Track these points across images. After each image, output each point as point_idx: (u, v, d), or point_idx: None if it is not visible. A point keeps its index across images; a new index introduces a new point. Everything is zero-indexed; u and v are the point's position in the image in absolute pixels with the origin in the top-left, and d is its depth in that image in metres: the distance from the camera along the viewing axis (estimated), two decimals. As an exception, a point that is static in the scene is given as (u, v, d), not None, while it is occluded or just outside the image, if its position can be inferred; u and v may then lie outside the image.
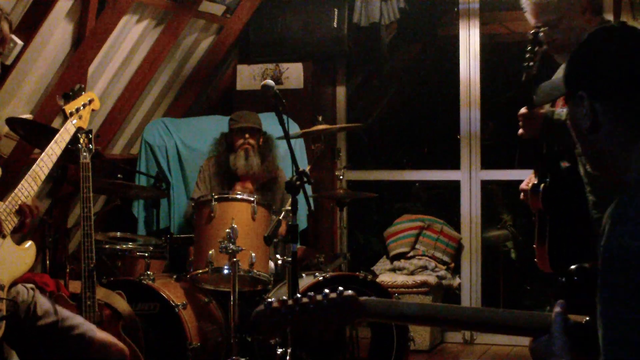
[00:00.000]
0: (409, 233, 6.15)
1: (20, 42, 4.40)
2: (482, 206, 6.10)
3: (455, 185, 6.19)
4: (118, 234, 5.10)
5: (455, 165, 6.16)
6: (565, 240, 3.06)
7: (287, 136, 3.73)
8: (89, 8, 4.69)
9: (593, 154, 1.63)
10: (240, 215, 4.51)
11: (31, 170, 3.23)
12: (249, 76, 6.13)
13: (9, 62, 4.42)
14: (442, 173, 6.43)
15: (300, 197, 3.67)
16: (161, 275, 4.81)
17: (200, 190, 5.14)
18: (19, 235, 3.26)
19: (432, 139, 7.35)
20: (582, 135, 1.62)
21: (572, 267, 1.75)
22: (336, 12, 5.95)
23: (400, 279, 5.86)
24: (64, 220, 5.16)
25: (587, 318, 1.63)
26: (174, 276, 4.74)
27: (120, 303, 3.99)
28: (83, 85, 3.72)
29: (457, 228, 6.17)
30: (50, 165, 3.29)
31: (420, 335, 5.62)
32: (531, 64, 2.94)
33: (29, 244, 3.25)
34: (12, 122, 4.10)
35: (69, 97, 3.54)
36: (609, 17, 5.45)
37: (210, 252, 4.47)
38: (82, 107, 3.55)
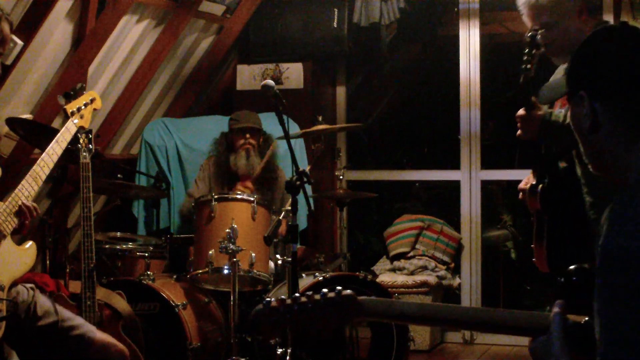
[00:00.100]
0: (409, 233, 6.15)
1: (20, 42, 4.40)
2: (482, 206, 6.10)
3: (455, 185, 6.20)
4: (118, 234, 5.10)
5: (455, 165, 6.16)
6: (563, 241, 3.07)
7: (287, 136, 3.73)
8: (89, 8, 4.70)
9: (594, 154, 1.63)
10: (240, 215, 4.51)
11: (32, 170, 3.23)
12: (249, 76, 6.13)
13: (9, 62, 4.42)
14: (442, 173, 6.43)
15: (300, 197, 3.67)
16: (161, 275, 4.81)
17: (200, 188, 5.14)
18: (19, 235, 3.26)
19: (432, 139, 7.35)
20: (583, 135, 1.62)
21: (571, 267, 1.75)
22: (336, 12, 5.95)
23: (400, 279, 5.86)
24: (64, 220, 5.16)
25: (586, 318, 1.63)
26: (174, 276, 4.74)
27: (120, 303, 3.99)
28: (84, 85, 3.72)
29: (457, 228, 6.17)
30: (51, 165, 3.29)
31: (420, 335, 5.62)
32: (529, 66, 2.95)
33: (29, 244, 3.25)
34: (12, 122, 4.10)
35: (70, 97, 3.53)
36: (609, 17, 5.46)
37: (210, 252, 4.47)
38: (83, 107, 3.54)
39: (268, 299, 1.69)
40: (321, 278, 4.46)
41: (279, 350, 4.06)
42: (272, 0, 6.08)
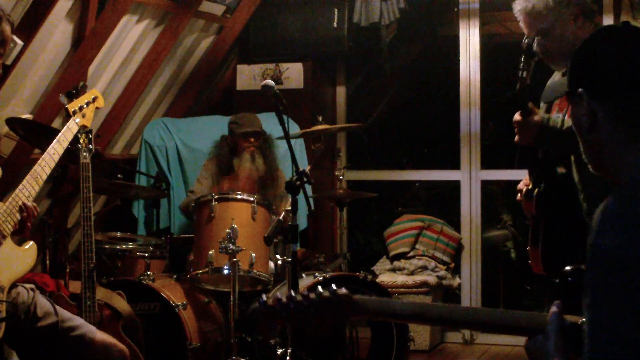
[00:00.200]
0: (409, 233, 6.15)
1: (20, 42, 4.40)
2: (482, 206, 6.10)
3: (455, 185, 6.20)
4: (118, 234, 5.10)
5: (455, 165, 6.16)
6: (559, 245, 3.08)
7: (287, 136, 3.73)
8: (89, 8, 4.70)
9: (593, 153, 1.63)
10: (240, 215, 4.51)
11: (32, 170, 3.21)
12: (249, 76, 6.13)
13: (9, 62, 4.42)
14: (442, 173, 6.43)
15: (300, 197, 3.67)
16: (161, 275, 4.81)
17: (202, 186, 5.13)
18: (19, 235, 3.25)
19: (432, 139, 7.34)
20: (582, 134, 1.62)
21: (567, 268, 1.75)
22: (336, 12, 5.95)
23: (400, 279, 5.86)
24: (64, 220, 5.16)
25: (583, 319, 1.63)
26: (174, 276, 4.74)
27: (120, 303, 3.99)
28: (86, 83, 3.71)
29: (457, 228, 6.17)
30: (52, 165, 3.27)
31: (420, 335, 5.62)
32: (524, 74, 2.95)
33: (29, 244, 3.24)
34: (12, 122, 4.10)
35: (72, 95, 3.52)
36: (609, 17, 5.46)
37: (210, 252, 4.47)
38: (85, 105, 3.53)
39: (264, 298, 1.70)
40: (321, 278, 4.46)
41: (279, 350, 4.06)
42: (272, 0, 6.08)
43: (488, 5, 6.15)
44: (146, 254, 4.74)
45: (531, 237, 3.16)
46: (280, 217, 3.95)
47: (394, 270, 6.01)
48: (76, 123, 3.46)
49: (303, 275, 4.58)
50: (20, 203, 3.10)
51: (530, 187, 3.15)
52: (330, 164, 6.00)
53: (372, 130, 7.02)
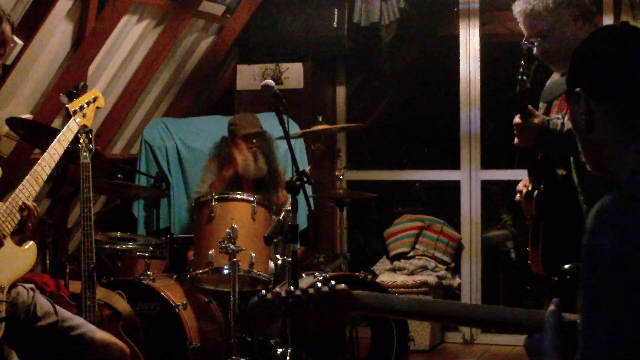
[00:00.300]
0: (409, 233, 6.16)
1: (20, 42, 4.40)
2: (482, 206, 6.10)
3: (455, 185, 6.20)
4: (118, 234, 5.10)
5: (455, 165, 6.16)
6: (559, 246, 3.08)
7: (287, 136, 3.72)
8: (89, 8, 4.70)
9: (591, 153, 1.63)
10: (240, 215, 4.51)
11: (32, 170, 3.21)
12: (249, 76, 6.13)
13: (9, 62, 4.42)
14: (442, 173, 6.43)
15: (300, 197, 3.67)
16: (161, 275, 4.81)
17: (207, 186, 5.13)
18: (19, 235, 3.25)
19: (432, 139, 7.34)
20: (581, 134, 1.62)
21: (566, 266, 1.75)
22: (336, 12, 5.95)
23: (400, 279, 5.86)
24: (64, 220, 5.16)
25: None
26: (174, 276, 4.74)
27: (120, 303, 3.99)
28: (86, 83, 3.71)
29: (457, 228, 6.17)
30: (53, 165, 3.27)
31: (420, 335, 5.63)
32: (524, 77, 2.95)
33: (29, 244, 3.24)
34: (12, 122, 4.10)
35: (72, 95, 3.52)
36: (609, 17, 5.46)
37: (210, 252, 4.47)
38: (85, 105, 3.52)
39: (263, 292, 1.70)
40: (321, 278, 4.46)
41: (279, 350, 4.06)
42: (272, 0, 6.07)
43: (488, 5, 6.15)
44: (146, 254, 4.74)
45: (531, 237, 3.16)
46: (280, 217, 3.96)
47: (394, 270, 6.01)
48: (76, 123, 3.46)
49: (303, 275, 4.59)
50: (20, 203, 3.10)
51: (529, 188, 3.15)
52: (330, 164, 6.00)
53: (372, 130, 7.02)
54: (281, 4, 6.07)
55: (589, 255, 1.43)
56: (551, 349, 1.58)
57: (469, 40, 6.03)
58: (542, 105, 3.22)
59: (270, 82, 3.67)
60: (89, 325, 3.27)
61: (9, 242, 3.11)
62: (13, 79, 4.55)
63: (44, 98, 4.83)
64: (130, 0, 4.89)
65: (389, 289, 5.50)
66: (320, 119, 4.87)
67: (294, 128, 5.17)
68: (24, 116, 4.50)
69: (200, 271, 4.51)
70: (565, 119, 3.01)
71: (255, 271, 4.47)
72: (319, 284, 1.70)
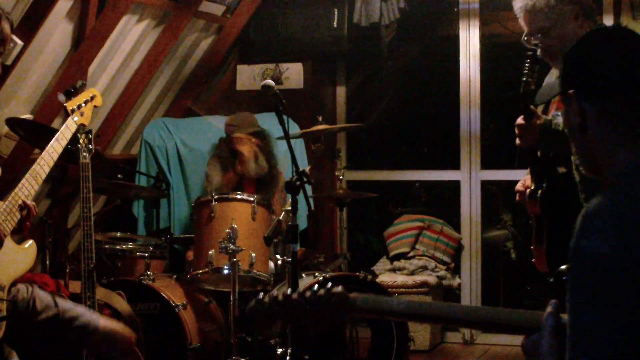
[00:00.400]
0: (409, 233, 6.16)
1: (20, 42, 4.40)
2: (482, 206, 6.10)
3: (455, 185, 6.20)
4: (118, 234, 5.10)
5: (455, 165, 6.16)
6: (563, 244, 3.07)
7: (287, 136, 3.73)
8: (89, 8, 4.69)
9: (585, 154, 1.63)
10: (240, 215, 4.51)
11: (31, 169, 3.22)
12: (249, 76, 6.13)
13: (9, 62, 4.42)
14: (442, 173, 6.43)
15: (300, 197, 3.67)
16: (161, 275, 4.81)
17: (214, 181, 5.12)
18: (19, 235, 3.25)
19: (432, 139, 7.34)
20: (574, 135, 1.62)
21: (563, 267, 1.76)
22: (336, 12, 5.95)
23: (400, 279, 5.86)
24: (64, 220, 5.16)
25: None
26: (174, 276, 4.74)
27: (120, 303, 3.99)
28: (85, 82, 3.71)
29: (457, 228, 6.17)
30: (51, 164, 3.28)
31: (420, 335, 5.62)
32: (529, 80, 2.96)
33: (29, 243, 3.25)
34: (12, 122, 4.10)
35: (70, 94, 3.52)
36: (609, 17, 5.46)
37: (210, 252, 4.47)
38: (83, 104, 3.53)
39: (260, 296, 1.71)
40: (321, 278, 4.46)
41: (279, 350, 4.06)
42: (272, 0, 6.07)
43: (488, 5, 6.15)
44: (146, 254, 4.74)
45: (535, 235, 3.15)
46: (280, 217, 3.96)
47: (394, 270, 6.01)
48: (75, 121, 3.47)
49: (303, 275, 4.59)
50: (20, 202, 3.10)
51: (532, 187, 3.15)
52: (330, 164, 6.00)
53: (372, 130, 7.02)
54: (281, 4, 6.07)
55: (576, 256, 1.43)
56: (548, 350, 1.58)
57: (469, 40, 6.03)
58: (539, 106, 3.22)
59: (270, 82, 3.67)
60: (92, 314, 3.27)
61: (8, 241, 3.11)
62: (13, 79, 4.55)
63: (44, 98, 4.83)
64: (130, 0, 4.89)
65: (389, 289, 5.50)
66: (320, 119, 4.87)
67: (294, 128, 5.17)
68: (24, 116, 4.50)
69: (200, 271, 4.51)
70: None
71: (255, 271, 4.47)
72: (316, 287, 1.70)
